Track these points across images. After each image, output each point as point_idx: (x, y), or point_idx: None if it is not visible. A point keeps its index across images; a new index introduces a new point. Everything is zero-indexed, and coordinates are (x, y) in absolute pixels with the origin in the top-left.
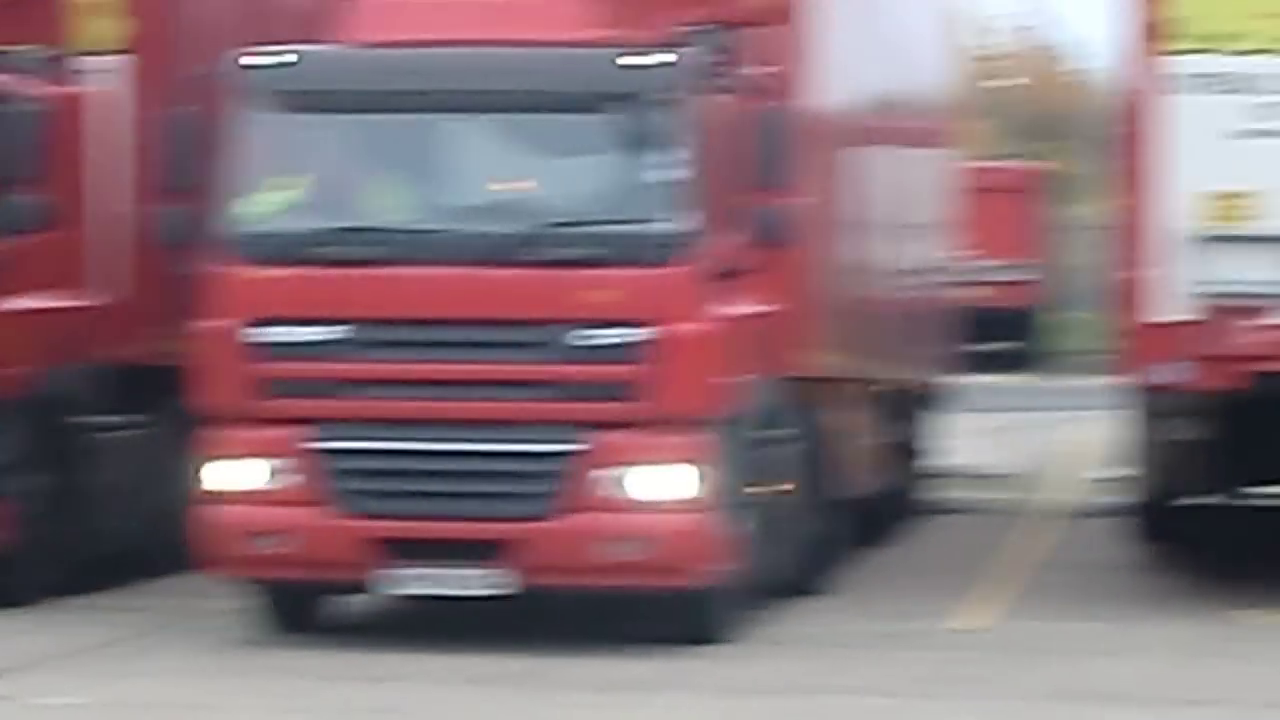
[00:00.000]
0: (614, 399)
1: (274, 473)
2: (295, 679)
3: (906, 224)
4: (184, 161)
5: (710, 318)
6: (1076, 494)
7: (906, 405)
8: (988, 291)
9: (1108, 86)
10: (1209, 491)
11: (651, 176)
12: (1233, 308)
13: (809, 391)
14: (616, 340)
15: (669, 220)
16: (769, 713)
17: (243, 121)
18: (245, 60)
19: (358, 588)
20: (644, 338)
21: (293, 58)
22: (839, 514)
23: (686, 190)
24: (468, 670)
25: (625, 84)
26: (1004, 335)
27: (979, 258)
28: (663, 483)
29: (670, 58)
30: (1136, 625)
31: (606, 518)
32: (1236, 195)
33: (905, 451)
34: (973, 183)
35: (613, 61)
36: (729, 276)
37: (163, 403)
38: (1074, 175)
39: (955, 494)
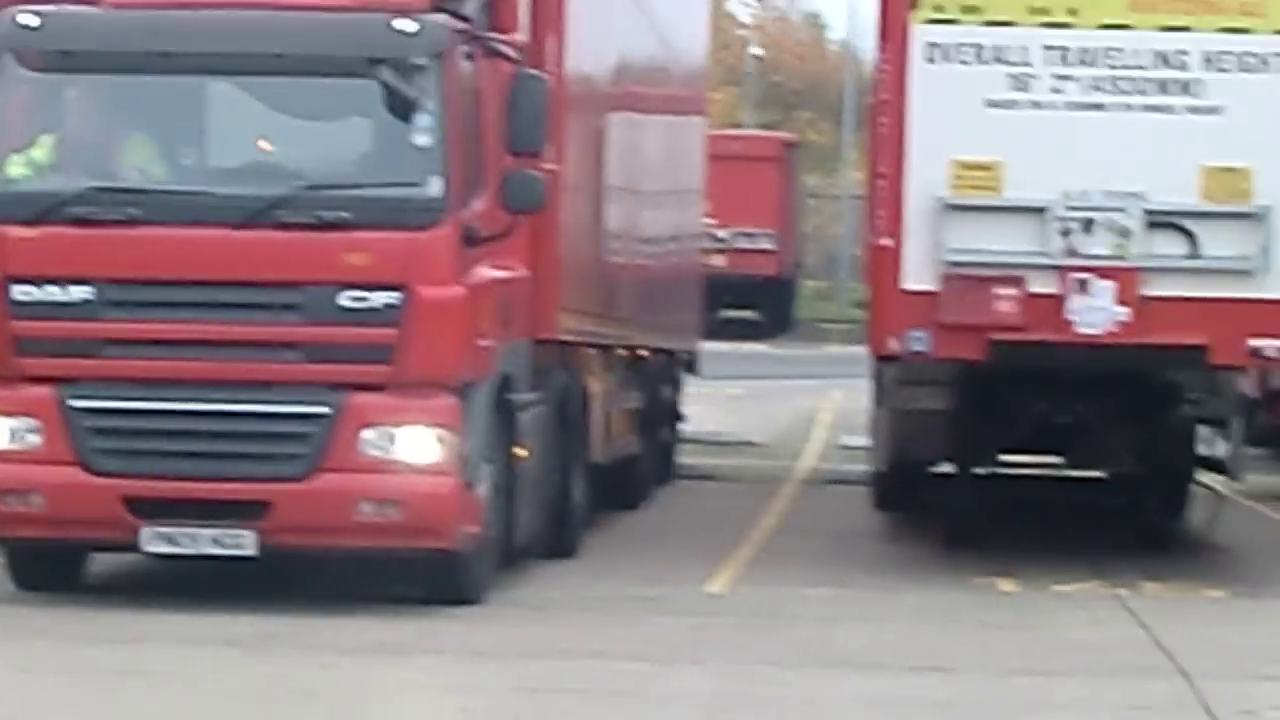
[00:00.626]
0: (367, 361)
1: (25, 431)
2: (38, 639)
3: (658, 190)
4: None
5: (462, 282)
6: (818, 461)
7: (658, 371)
8: (730, 259)
9: (859, 56)
10: (947, 461)
11: (409, 141)
12: (974, 277)
13: (560, 355)
14: (370, 303)
15: (424, 184)
16: (517, 676)
17: None
18: None
19: (110, 547)
20: (397, 300)
21: (35, 20)
22: (589, 478)
23: (442, 155)
24: (220, 632)
25: (396, 48)
26: (745, 303)
27: (722, 225)
28: (415, 445)
29: (440, 22)
30: (883, 592)
31: (358, 479)
32: (982, 165)
33: (656, 417)
34: (717, 151)
35: (390, 25)
36: (481, 241)
37: None
38: (822, 145)
39: (698, 460)
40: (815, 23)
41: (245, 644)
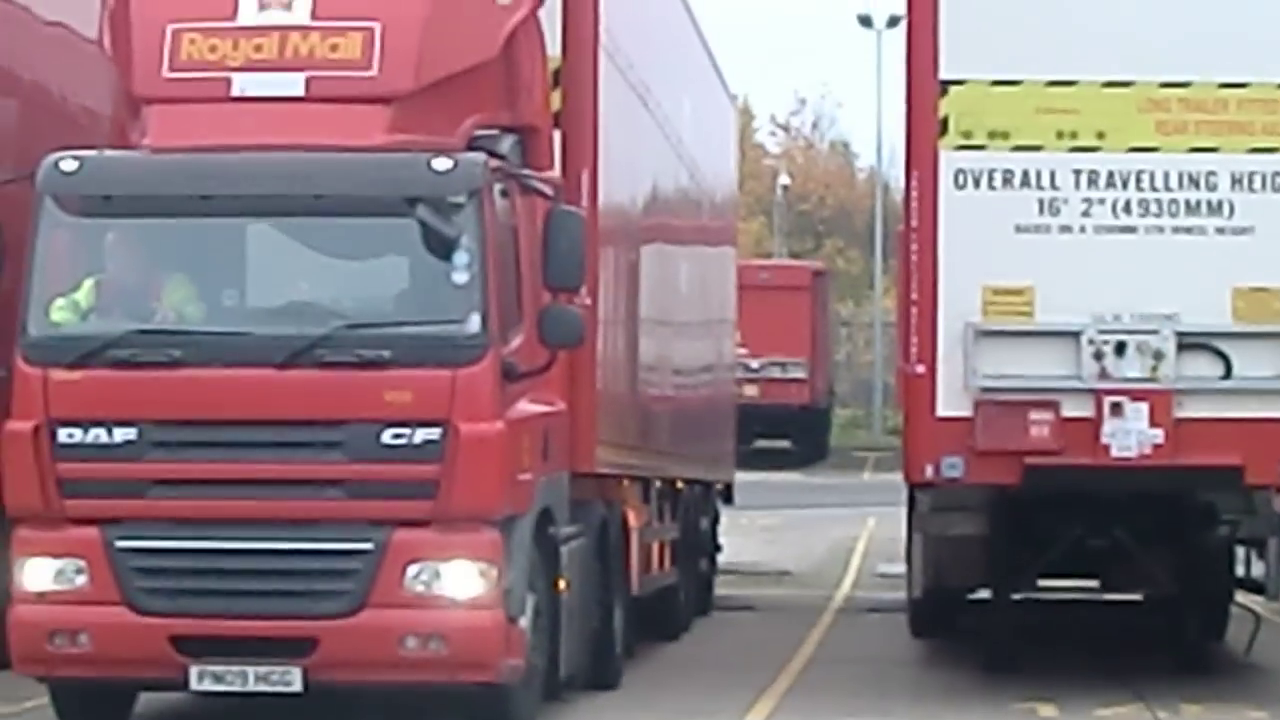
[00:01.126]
0: (410, 497)
1: (72, 572)
2: None
3: (691, 321)
4: None
5: (502, 417)
6: (855, 590)
7: (695, 501)
8: (763, 389)
9: (887, 184)
10: (984, 587)
11: (448, 278)
12: (1008, 402)
13: (598, 488)
14: (412, 440)
15: (463, 321)
16: None
17: (38, 227)
18: (40, 166)
19: (159, 686)
20: (439, 437)
21: (74, 164)
22: (629, 609)
23: (481, 292)
24: None
25: (433, 187)
26: (778, 432)
27: (754, 355)
28: (459, 579)
29: (476, 160)
30: (922, 719)
31: (403, 614)
32: (1014, 290)
33: (694, 547)
34: (748, 281)
35: (427, 165)
36: (520, 376)
37: None
38: (852, 273)
39: (735, 591)
40: (843, 151)
41: None
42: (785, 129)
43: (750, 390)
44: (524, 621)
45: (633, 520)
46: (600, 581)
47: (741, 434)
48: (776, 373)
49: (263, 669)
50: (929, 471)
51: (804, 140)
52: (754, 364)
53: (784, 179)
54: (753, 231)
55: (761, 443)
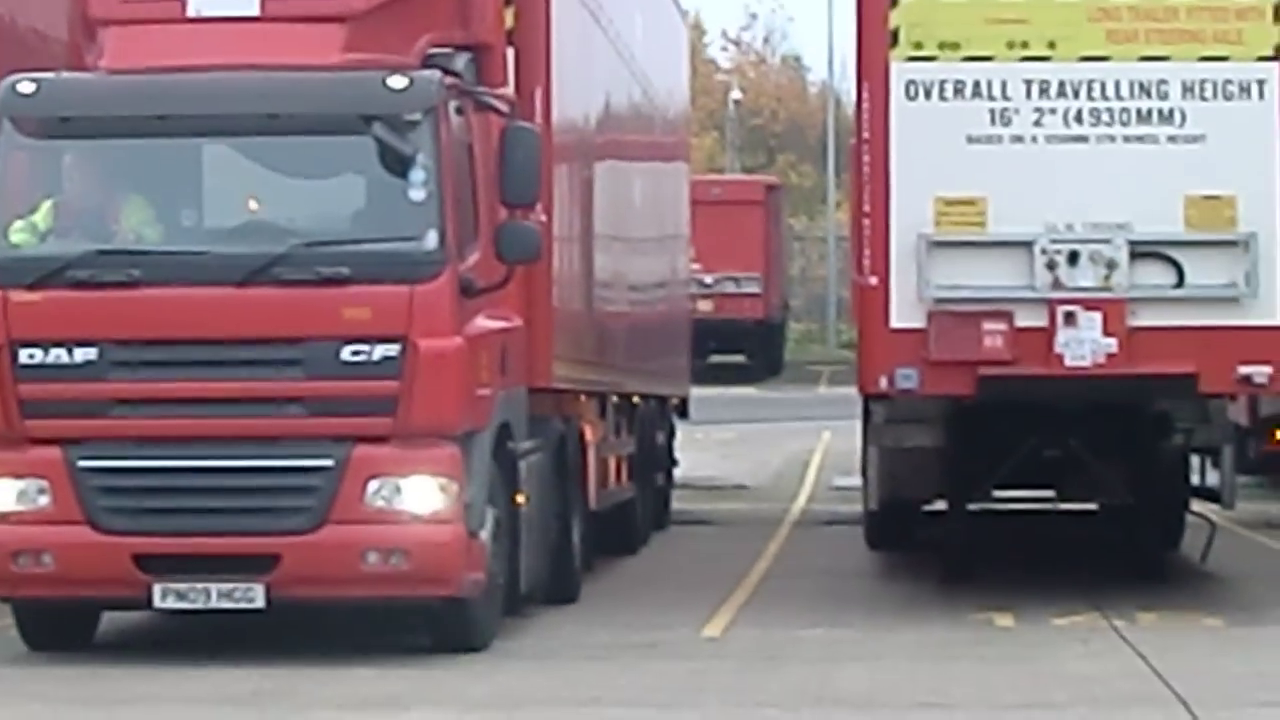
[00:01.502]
0: (370, 413)
1: (34, 492)
2: (33, 703)
3: (645, 237)
4: None
5: (461, 333)
6: (811, 503)
7: (651, 417)
8: (717, 304)
9: (840, 98)
10: (939, 498)
11: (405, 195)
12: (961, 313)
13: (555, 403)
14: (371, 356)
15: (420, 238)
16: None
17: None
18: None
19: (122, 605)
20: (397, 353)
21: (32, 86)
22: (588, 524)
23: (438, 208)
24: (218, 690)
25: (389, 105)
26: (733, 347)
27: (708, 270)
28: (419, 495)
29: (431, 78)
30: (879, 631)
31: (365, 529)
32: (966, 201)
33: (651, 462)
34: (701, 196)
35: (382, 83)
36: (478, 292)
37: None
38: (805, 187)
39: (692, 505)
40: (795, 65)
41: (242, 702)
42: (736, 44)
43: (704, 305)
44: (484, 536)
45: (590, 435)
46: (558, 496)
47: (696, 349)
48: (731, 287)
49: (225, 586)
50: (883, 383)
51: (755, 55)
52: (708, 279)
53: (736, 94)
54: (705, 147)
55: (716, 358)
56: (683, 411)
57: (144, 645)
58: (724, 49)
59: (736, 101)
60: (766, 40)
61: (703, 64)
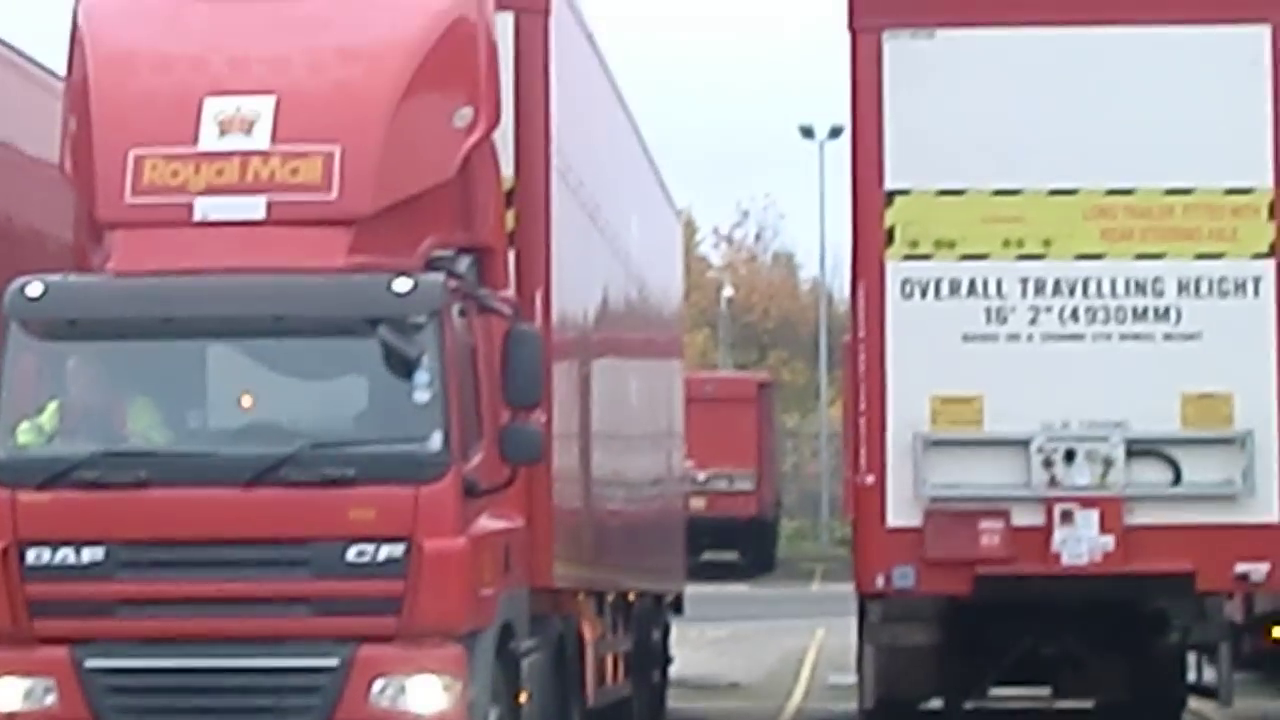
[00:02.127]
0: (375, 613)
1: (41, 692)
2: None
3: (641, 434)
4: None
5: (465, 533)
6: (806, 701)
7: (647, 613)
8: (709, 501)
9: (831, 294)
10: (936, 696)
11: (409, 397)
12: (956, 512)
13: (554, 602)
14: (376, 557)
15: (425, 440)
16: None
17: (3, 351)
18: (4, 291)
19: None
20: (402, 554)
21: (39, 289)
22: None
23: (443, 410)
24: None
25: (393, 308)
26: (726, 544)
27: (700, 467)
28: (424, 694)
29: (435, 281)
30: None
31: None
32: (962, 399)
33: (646, 659)
34: (694, 393)
35: (387, 287)
36: (482, 493)
37: None
38: (797, 384)
39: (686, 704)
40: (787, 262)
41: None
42: (729, 241)
43: (697, 502)
44: None
45: (588, 634)
46: (558, 695)
47: (689, 546)
48: (723, 485)
49: None
50: (880, 582)
51: (747, 252)
52: (700, 476)
53: (728, 291)
54: (697, 344)
55: (709, 554)
56: (678, 607)
57: None
58: (716, 246)
59: (729, 298)
60: (758, 237)
61: (695, 260)
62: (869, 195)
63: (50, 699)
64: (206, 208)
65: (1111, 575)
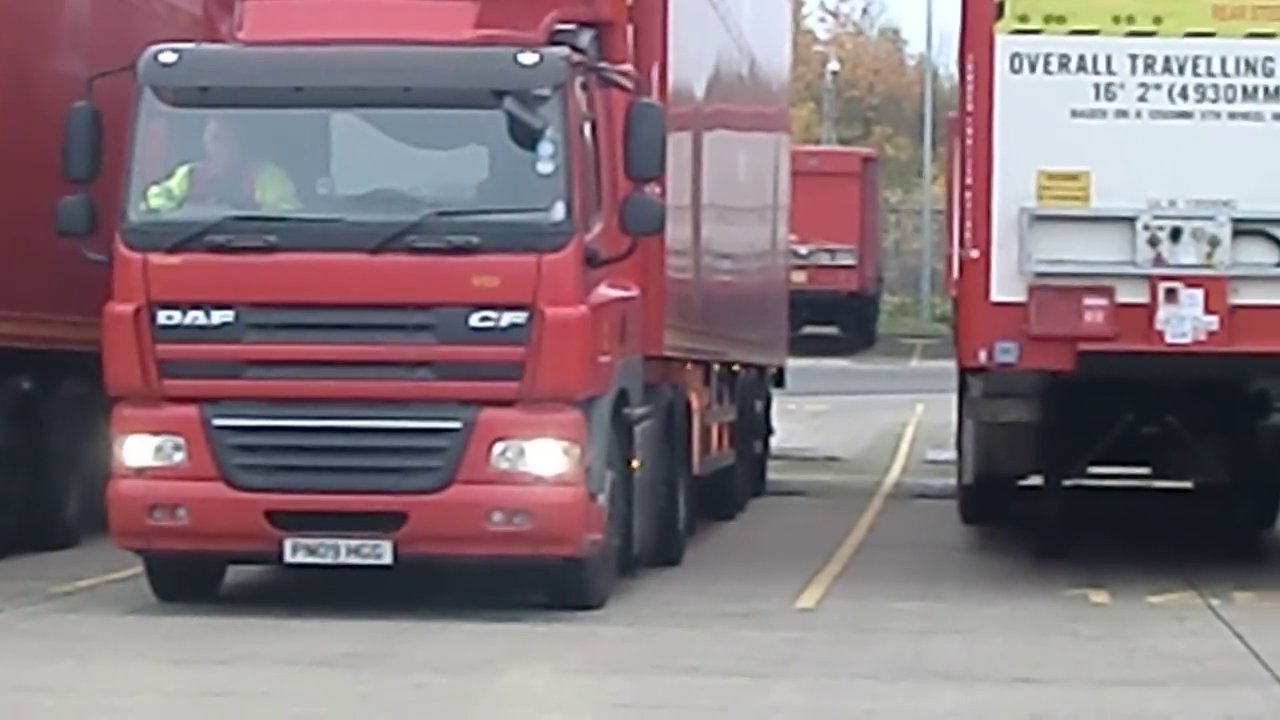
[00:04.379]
0: (497, 378)
1: (170, 449)
2: (132, 661)
3: (748, 207)
4: (79, 154)
5: (585, 302)
6: (904, 476)
7: (750, 385)
8: (811, 275)
9: (937, 71)
10: (1035, 473)
11: (533, 168)
12: (1062, 288)
13: (664, 371)
14: (499, 323)
15: (548, 209)
16: (611, 693)
17: (137, 116)
18: (139, 58)
19: (252, 559)
20: (524, 320)
21: (173, 56)
22: (691, 489)
23: (565, 181)
24: (317, 651)
25: (519, 80)
26: (827, 319)
27: (803, 241)
28: (543, 457)
29: (559, 55)
30: (974, 605)
31: (490, 490)
32: (1069, 175)
33: (749, 430)
34: (797, 167)
35: (513, 59)
36: (602, 262)
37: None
38: (901, 160)
39: (786, 476)
40: (893, 37)
41: (335, 663)
42: (834, 15)
43: (799, 276)
44: (602, 498)
45: (695, 403)
46: (666, 462)
47: (790, 320)
48: (825, 259)
49: (354, 542)
50: (982, 356)
51: (853, 26)
52: (803, 250)
53: (833, 65)
54: (802, 118)
55: (810, 329)
56: (779, 381)
57: (256, 599)
58: (822, 20)
59: (834, 73)
60: (865, 12)
61: (800, 34)
62: None
63: (179, 456)
64: None
65: (1214, 354)
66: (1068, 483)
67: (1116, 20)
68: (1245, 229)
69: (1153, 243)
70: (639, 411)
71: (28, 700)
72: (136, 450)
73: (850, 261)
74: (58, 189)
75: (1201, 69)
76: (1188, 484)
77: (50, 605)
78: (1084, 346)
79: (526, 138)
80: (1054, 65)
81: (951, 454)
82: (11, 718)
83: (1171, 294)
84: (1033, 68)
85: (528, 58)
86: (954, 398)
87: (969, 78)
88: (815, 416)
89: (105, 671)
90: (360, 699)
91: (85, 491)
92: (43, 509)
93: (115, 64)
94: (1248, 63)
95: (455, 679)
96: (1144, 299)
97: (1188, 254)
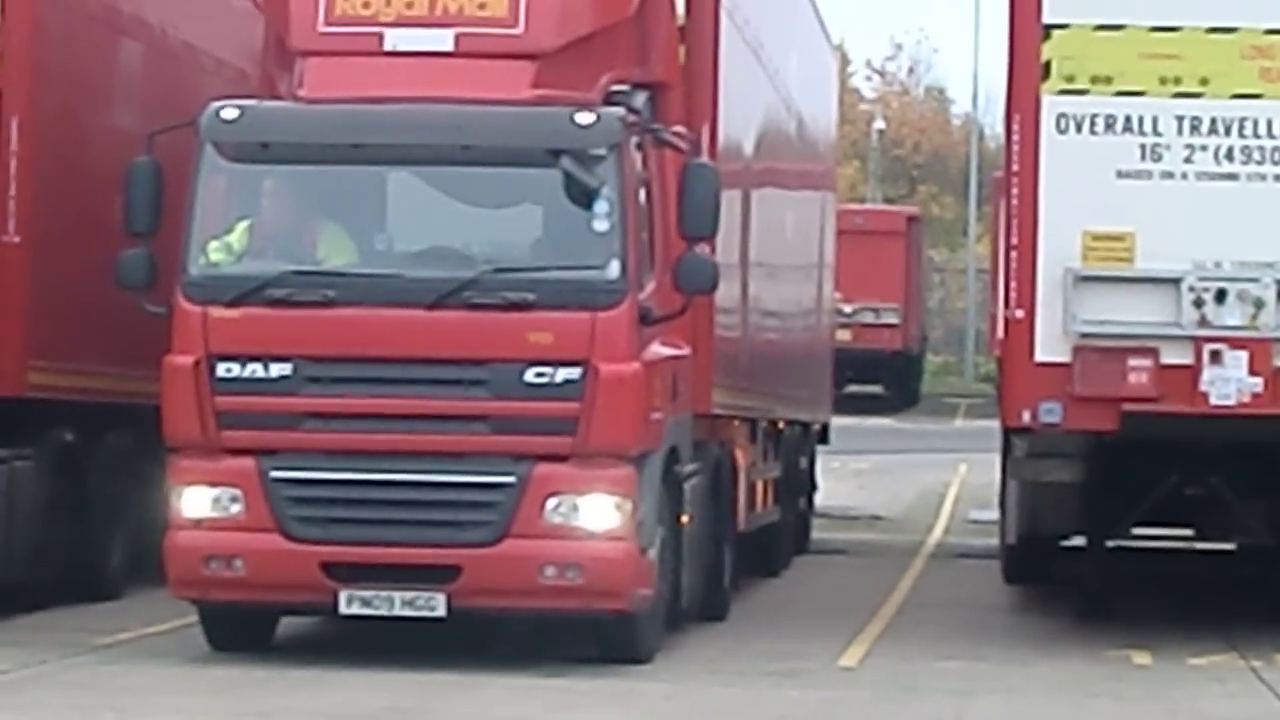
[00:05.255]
0: (551, 433)
1: (228, 500)
2: (178, 716)
3: (795, 265)
4: (141, 208)
5: (639, 359)
6: (947, 535)
7: (795, 442)
8: (855, 333)
9: (982, 130)
10: (1078, 534)
11: (589, 226)
12: (1107, 349)
13: (711, 428)
14: (553, 379)
15: (604, 267)
16: None
17: (198, 171)
18: (201, 114)
19: (307, 611)
20: (579, 376)
21: (235, 113)
22: (736, 545)
23: (621, 239)
24: (356, 704)
25: (575, 140)
26: (870, 377)
27: (847, 300)
28: (596, 512)
29: (615, 115)
30: (1016, 665)
31: (543, 544)
32: (1114, 236)
33: (794, 487)
34: (843, 225)
35: (570, 119)
36: (656, 320)
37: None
38: (945, 219)
39: (829, 535)
40: (938, 97)
41: (377, 718)
42: (881, 74)
43: (843, 334)
44: (653, 553)
45: (741, 460)
46: (713, 518)
47: (834, 378)
48: (870, 317)
49: (409, 594)
50: (1026, 416)
51: (899, 85)
52: (847, 308)
53: (879, 124)
54: (847, 176)
55: (854, 387)
56: (824, 437)
57: (300, 651)
58: (868, 79)
59: (880, 131)
60: (911, 71)
61: (847, 93)
62: (1026, 28)
63: (236, 508)
64: (396, 38)
65: (1259, 416)
66: (1111, 543)
67: (1163, 81)
68: None
69: (1198, 304)
70: (689, 468)
71: None
72: (194, 501)
73: (894, 320)
74: (104, 244)
75: (1248, 131)
76: (1231, 546)
77: (93, 657)
78: (1128, 407)
79: (582, 196)
80: (1100, 126)
81: (994, 514)
82: None
83: (1216, 355)
84: (1079, 128)
85: (584, 118)
86: (997, 457)
87: (1014, 138)
88: (858, 475)
89: None
90: None
91: (129, 544)
92: (86, 561)
93: (165, 118)
94: None
95: None
96: (1188, 360)
97: (1233, 315)
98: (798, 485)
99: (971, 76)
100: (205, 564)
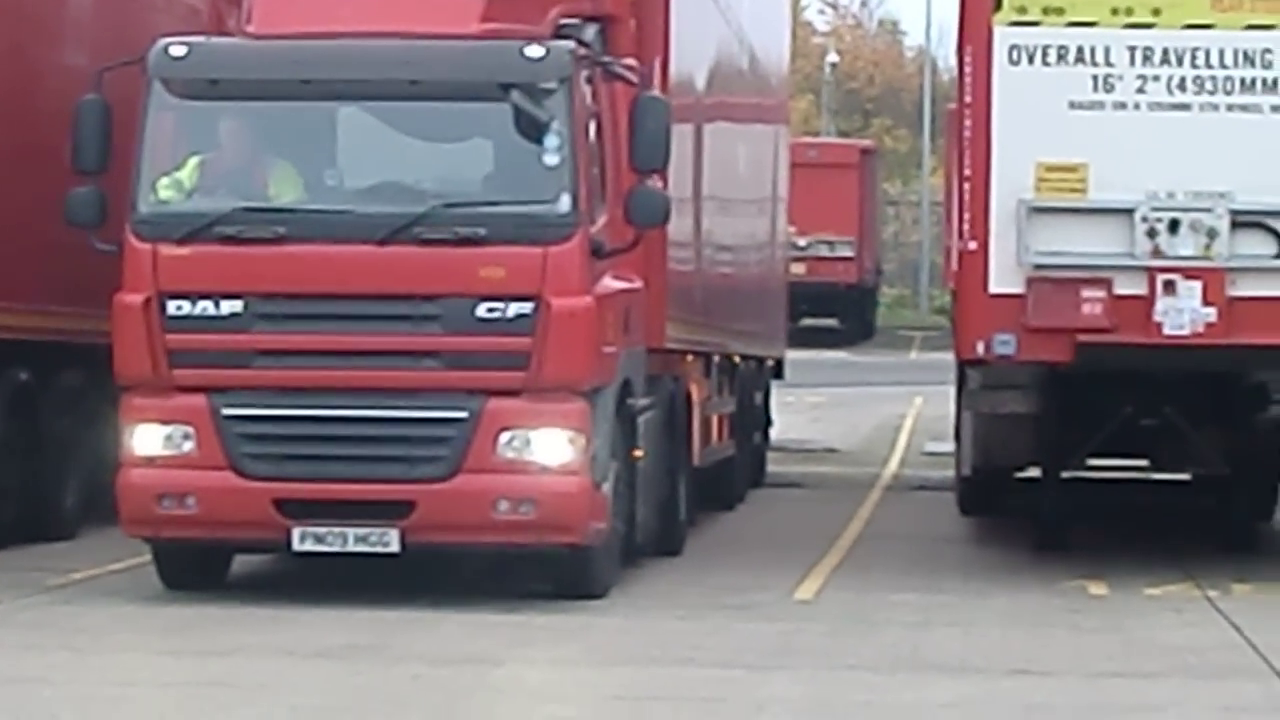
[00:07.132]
0: (503, 368)
1: (180, 438)
2: (129, 653)
3: (748, 199)
4: (90, 146)
5: (591, 293)
6: (902, 468)
7: (750, 377)
8: (810, 267)
9: (936, 63)
10: (1033, 465)
11: (539, 160)
12: (1060, 280)
13: (665, 362)
14: (505, 313)
15: (555, 201)
16: (609, 685)
17: (147, 109)
18: (149, 51)
19: (259, 548)
20: (531, 311)
21: (183, 50)
22: (690, 479)
23: (571, 173)
24: (315, 642)
25: (525, 73)
26: (825, 311)
27: (802, 233)
28: (549, 446)
29: (565, 48)
30: (972, 597)
31: (496, 479)
32: (1067, 167)
33: (749, 421)
34: (796, 159)
35: (519, 53)
36: (608, 254)
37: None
38: (899, 152)
39: (784, 468)
40: (892, 29)
41: (333, 655)
42: (834, 7)
43: (798, 268)
44: (607, 488)
45: (695, 394)
46: (668, 452)
47: (789, 312)
48: (824, 251)
49: (362, 530)
50: (980, 348)
51: (852, 18)
52: (801, 242)
53: (832, 57)
54: (801, 110)
55: (808, 321)
56: (778, 373)
57: (256, 589)
58: (821, 12)
59: (833, 65)
60: (864, 4)
61: (800, 27)
62: None
63: (188, 445)
64: None
65: (1212, 347)
66: (1066, 475)
67: (1115, 12)
68: (1243, 221)
69: (1151, 234)
70: (642, 402)
71: (25, 691)
72: (146, 439)
73: (849, 253)
74: (55, 181)
75: (1200, 61)
76: (1186, 476)
77: (48, 596)
78: (1082, 338)
79: (532, 130)
80: (1052, 57)
81: (950, 446)
82: (9, 709)
83: (1170, 286)
84: (1031, 59)
85: (534, 51)
86: (952, 390)
87: (967, 70)
88: (814, 408)
89: (102, 663)
90: (357, 691)
91: (83, 483)
92: (40, 500)
93: (116, 56)
94: (1246, 55)
95: (452, 671)
96: (1142, 291)
97: (1186, 246)
98: (753, 419)
99: (924, 9)
100: (158, 502)
